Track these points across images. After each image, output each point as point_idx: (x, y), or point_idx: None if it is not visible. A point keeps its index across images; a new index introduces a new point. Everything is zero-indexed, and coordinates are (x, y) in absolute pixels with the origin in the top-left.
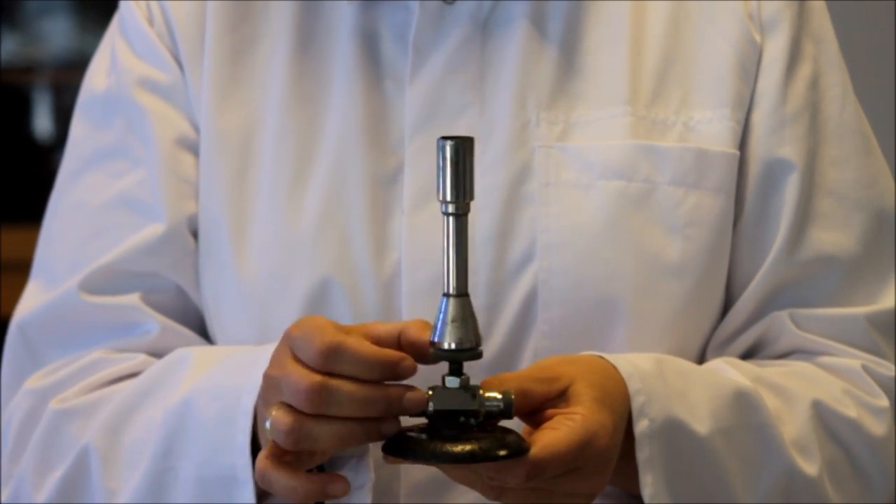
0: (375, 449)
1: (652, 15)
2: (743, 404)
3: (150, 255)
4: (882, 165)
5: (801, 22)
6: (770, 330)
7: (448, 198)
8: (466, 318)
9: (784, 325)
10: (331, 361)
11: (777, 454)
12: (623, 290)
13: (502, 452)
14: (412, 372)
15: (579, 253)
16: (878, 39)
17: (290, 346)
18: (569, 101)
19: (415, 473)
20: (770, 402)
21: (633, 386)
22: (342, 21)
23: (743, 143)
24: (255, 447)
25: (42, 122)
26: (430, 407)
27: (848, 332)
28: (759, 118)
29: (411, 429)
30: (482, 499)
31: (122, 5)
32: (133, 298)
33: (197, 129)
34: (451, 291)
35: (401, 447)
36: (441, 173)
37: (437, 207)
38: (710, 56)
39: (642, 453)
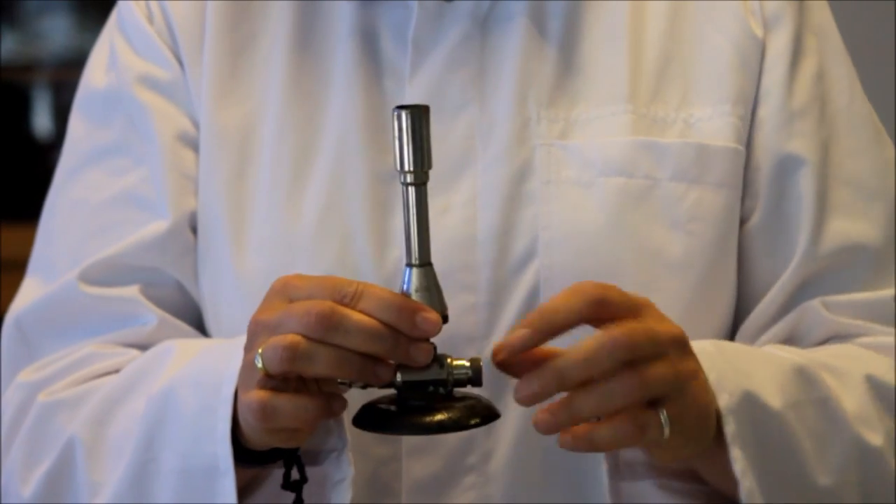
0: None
1: (651, 13)
2: (804, 379)
3: (153, 250)
4: (894, 154)
5: (802, 18)
6: (803, 321)
7: (406, 167)
8: (430, 287)
9: (818, 312)
10: (354, 301)
11: (843, 427)
12: (625, 286)
13: (473, 421)
14: (434, 325)
15: (581, 250)
16: (878, 39)
17: (286, 293)
18: (569, 99)
19: (416, 471)
20: (827, 378)
21: (702, 363)
22: (341, 19)
23: (752, 141)
24: (235, 440)
25: (42, 121)
26: (399, 378)
27: (881, 314)
28: (767, 115)
29: (380, 400)
30: (482, 499)
31: (121, 4)
32: (132, 290)
33: (197, 126)
34: (414, 261)
35: (371, 419)
36: (398, 143)
37: (438, 205)
38: (710, 53)
39: (729, 427)
